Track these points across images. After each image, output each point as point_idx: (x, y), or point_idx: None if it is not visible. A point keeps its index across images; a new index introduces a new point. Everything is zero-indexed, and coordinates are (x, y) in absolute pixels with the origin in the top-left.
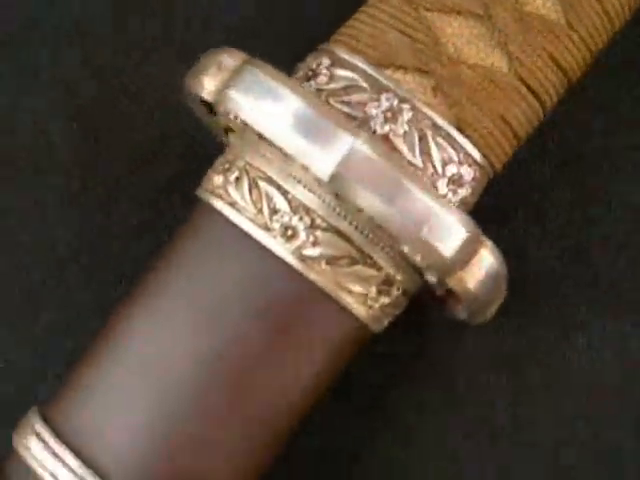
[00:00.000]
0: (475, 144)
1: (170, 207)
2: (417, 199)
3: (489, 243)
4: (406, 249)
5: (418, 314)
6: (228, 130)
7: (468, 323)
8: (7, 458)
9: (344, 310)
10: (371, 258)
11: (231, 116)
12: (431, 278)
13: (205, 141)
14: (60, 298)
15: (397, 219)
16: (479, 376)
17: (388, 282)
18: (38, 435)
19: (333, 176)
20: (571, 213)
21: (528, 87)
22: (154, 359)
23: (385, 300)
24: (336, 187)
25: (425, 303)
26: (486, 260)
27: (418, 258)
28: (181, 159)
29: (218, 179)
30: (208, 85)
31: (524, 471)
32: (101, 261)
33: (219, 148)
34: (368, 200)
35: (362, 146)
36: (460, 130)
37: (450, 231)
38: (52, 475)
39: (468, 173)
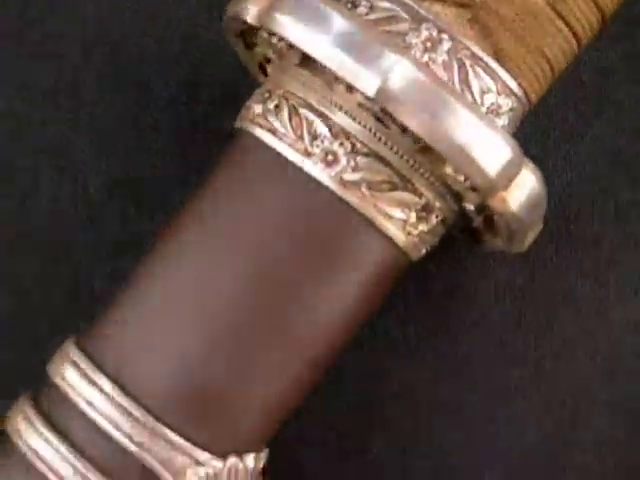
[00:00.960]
0: (513, 75)
1: (203, 145)
2: (463, 117)
3: (531, 165)
4: (449, 170)
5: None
6: (265, 64)
7: (504, 253)
8: (41, 389)
9: (383, 236)
10: (411, 184)
11: (275, 39)
12: (470, 206)
13: (237, 80)
14: (91, 237)
15: (442, 136)
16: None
17: (427, 209)
18: (74, 363)
19: (379, 92)
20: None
21: (565, 21)
22: (192, 286)
23: (424, 227)
24: (382, 104)
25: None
26: (529, 181)
27: (461, 178)
28: (213, 98)
29: (257, 108)
30: (252, 9)
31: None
32: (133, 199)
33: (252, 86)
34: (414, 117)
35: (409, 64)
36: (498, 61)
37: (495, 150)
38: (88, 402)
39: (506, 103)
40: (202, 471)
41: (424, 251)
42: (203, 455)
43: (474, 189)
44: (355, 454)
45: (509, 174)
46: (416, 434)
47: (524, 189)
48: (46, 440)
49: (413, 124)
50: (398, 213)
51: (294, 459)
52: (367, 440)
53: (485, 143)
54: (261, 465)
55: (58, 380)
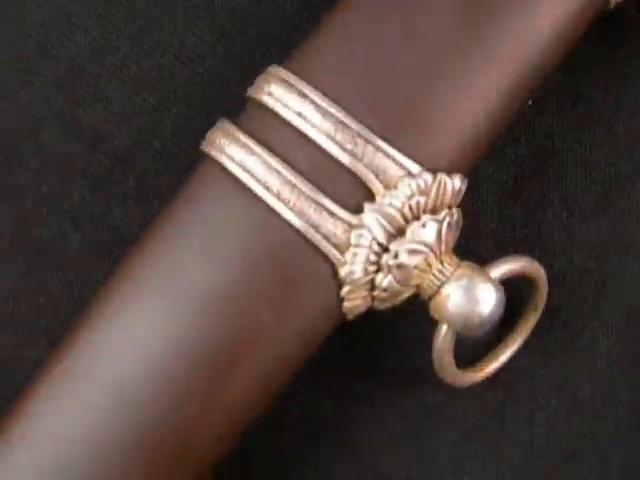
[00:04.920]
0: None
1: None
2: None
3: None
4: None
5: None
6: None
7: None
8: (239, 115)
9: None
10: None
11: None
12: None
13: None
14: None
15: None
16: None
17: None
18: (282, 79)
19: None
20: None
21: None
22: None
23: None
24: None
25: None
26: None
27: None
28: None
29: None
30: None
31: None
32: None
33: None
34: None
35: None
36: None
37: None
38: (298, 114)
39: None
40: (414, 183)
41: None
42: (416, 167)
43: None
44: None
45: None
46: None
47: None
48: (252, 152)
49: None
50: None
51: None
52: None
53: None
54: (464, 189)
55: (264, 97)
